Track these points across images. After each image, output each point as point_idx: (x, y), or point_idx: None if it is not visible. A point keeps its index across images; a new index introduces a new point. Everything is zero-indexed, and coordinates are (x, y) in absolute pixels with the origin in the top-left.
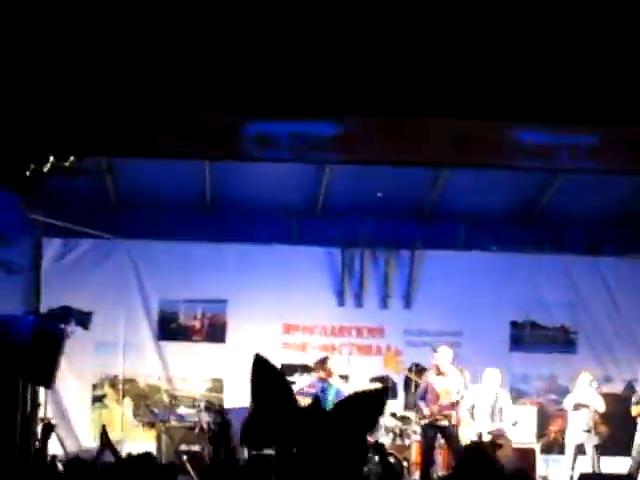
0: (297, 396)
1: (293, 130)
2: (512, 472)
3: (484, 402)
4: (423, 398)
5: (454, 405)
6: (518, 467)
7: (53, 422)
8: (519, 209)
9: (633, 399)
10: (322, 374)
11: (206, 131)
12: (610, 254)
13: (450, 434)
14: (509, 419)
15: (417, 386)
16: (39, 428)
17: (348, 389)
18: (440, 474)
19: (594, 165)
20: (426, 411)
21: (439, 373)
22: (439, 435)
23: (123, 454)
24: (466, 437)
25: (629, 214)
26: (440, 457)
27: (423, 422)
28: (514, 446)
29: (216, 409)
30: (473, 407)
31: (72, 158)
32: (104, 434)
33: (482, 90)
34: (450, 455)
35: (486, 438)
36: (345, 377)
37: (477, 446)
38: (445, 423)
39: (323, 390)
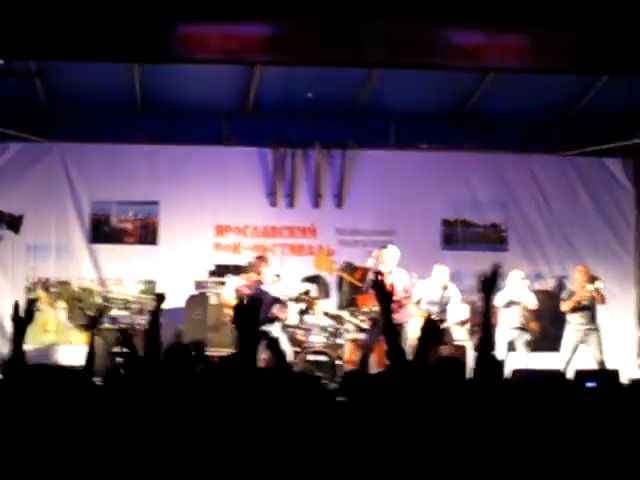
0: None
1: (223, 31)
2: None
3: (431, 299)
4: (366, 294)
5: (400, 302)
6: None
7: None
8: (450, 107)
9: (563, 295)
10: (254, 277)
11: (136, 33)
12: (540, 151)
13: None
14: (455, 317)
15: (350, 285)
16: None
17: (281, 290)
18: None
19: (524, 65)
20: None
21: (388, 271)
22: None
23: (57, 357)
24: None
25: (559, 112)
26: (375, 354)
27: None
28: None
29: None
30: (419, 302)
31: (0, 61)
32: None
33: None
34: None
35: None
36: (277, 276)
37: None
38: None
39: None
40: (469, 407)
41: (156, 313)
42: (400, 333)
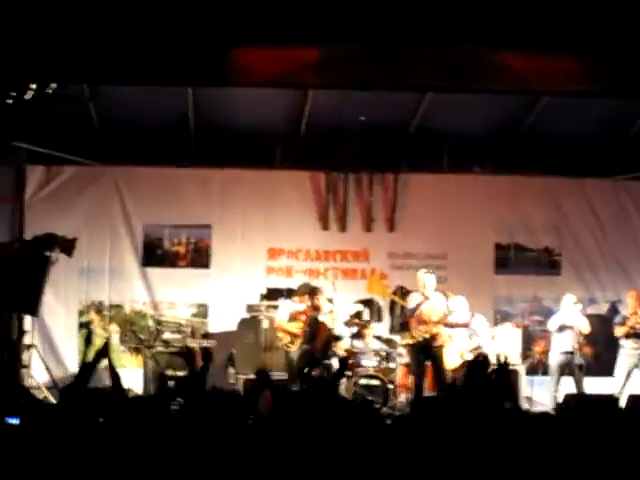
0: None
1: (276, 55)
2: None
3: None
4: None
5: (437, 325)
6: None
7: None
8: (503, 131)
9: (616, 320)
10: (308, 303)
11: (189, 56)
12: (594, 175)
13: (436, 354)
14: (485, 337)
15: (402, 309)
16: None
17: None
18: (427, 395)
19: (575, 89)
20: (415, 332)
21: (425, 297)
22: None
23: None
24: (448, 357)
25: (613, 135)
26: (426, 378)
27: (411, 342)
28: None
29: (202, 334)
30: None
31: (54, 85)
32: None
33: (465, 16)
34: (436, 375)
35: (468, 356)
36: (330, 300)
37: (477, 362)
38: (433, 344)
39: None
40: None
41: (204, 368)
42: (438, 355)
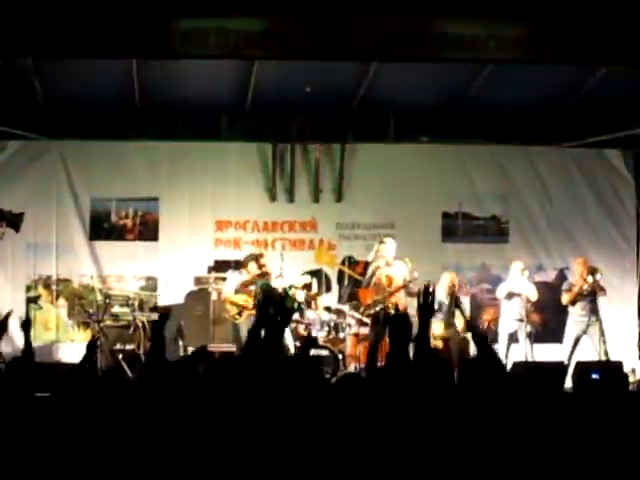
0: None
1: (220, 26)
2: None
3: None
4: (367, 288)
5: (399, 290)
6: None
7: None
8: (449, 100)
9: (564, 287)
10: (257, 272)
11: (132, 28)
12: (541, 143)
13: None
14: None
15: (350, 279)
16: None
17: (281, 284)
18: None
19: (521, 57)
20: (370, 300)
21: (387, 264)
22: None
23: (59, 355)
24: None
25: (559, 103)
26: (380, 351)
27: (370, 311)
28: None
29: (150, 307)
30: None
31: None
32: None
33: None
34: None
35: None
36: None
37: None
38: (392, 312)
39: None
40: (466, 400)
41: (159, 328)
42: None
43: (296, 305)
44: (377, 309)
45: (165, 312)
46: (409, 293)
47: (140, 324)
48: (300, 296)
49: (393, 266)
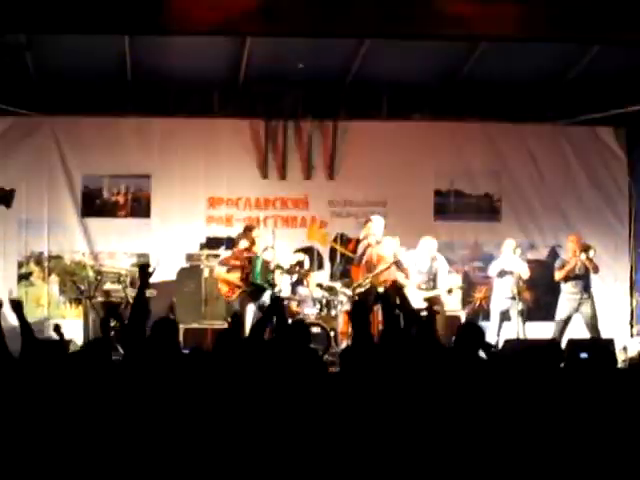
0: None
1: (213, 2)
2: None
3: (419, 269)
4: (358, 266)
5: (389, 268)
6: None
7: None
8: (442, 77)
9: (556, 264)
10: (246, 245)
11: (125, 4)
12: (534, 121)
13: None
14: (444, 286)
15: (342, 256)
16: None
17: (274, 259)
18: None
19: (514, 34)
20: (362, 278)
21: (376, 242)
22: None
23: (50, 331)
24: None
25: (552, 80)
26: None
27: (360, 290)
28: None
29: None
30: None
31: None
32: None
33: None
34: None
35: (422, 305)
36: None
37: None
38: (381, 289)
39: (250, 261)
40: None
41: (142, 286)
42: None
43: (267, 285)
44: (367, 287)
45: (143, 268)
46: (400, 269)
47: (132, 301)
48: (285, 280)
49: (382, 243)
